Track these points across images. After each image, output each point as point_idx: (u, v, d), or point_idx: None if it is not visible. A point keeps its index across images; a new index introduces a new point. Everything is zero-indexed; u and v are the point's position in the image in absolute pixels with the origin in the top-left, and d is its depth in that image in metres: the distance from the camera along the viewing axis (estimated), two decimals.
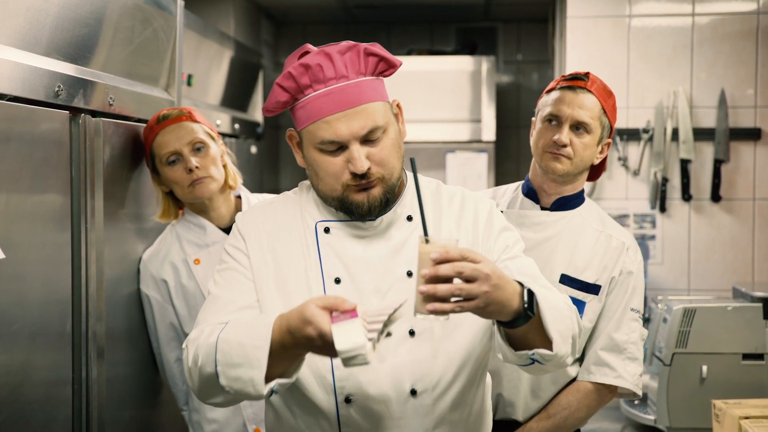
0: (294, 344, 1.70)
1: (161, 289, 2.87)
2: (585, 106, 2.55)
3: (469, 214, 2.02)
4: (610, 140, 2.64)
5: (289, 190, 2.11)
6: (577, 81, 2.59)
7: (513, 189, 2.73)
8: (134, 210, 2.86)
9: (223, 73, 4.76)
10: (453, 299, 1.66)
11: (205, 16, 5.07)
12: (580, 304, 2.53)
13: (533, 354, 1.77)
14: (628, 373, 2.54)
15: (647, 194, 4.60)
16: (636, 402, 3.61)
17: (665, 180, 4.54)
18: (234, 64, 4.89)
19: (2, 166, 2.06)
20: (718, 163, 4.52)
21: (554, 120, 2.57)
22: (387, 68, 1.94)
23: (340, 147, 1.88)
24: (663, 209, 4.57)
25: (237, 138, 4.86)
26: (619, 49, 4.60)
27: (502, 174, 6.06)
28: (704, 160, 4.57)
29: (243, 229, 2.01)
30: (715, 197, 4.53)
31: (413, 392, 1.91)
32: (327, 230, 1.97)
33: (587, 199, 2.67)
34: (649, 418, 3.42)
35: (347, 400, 1.89)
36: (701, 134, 4.54)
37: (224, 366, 1.75)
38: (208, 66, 4.50)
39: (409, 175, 1.99)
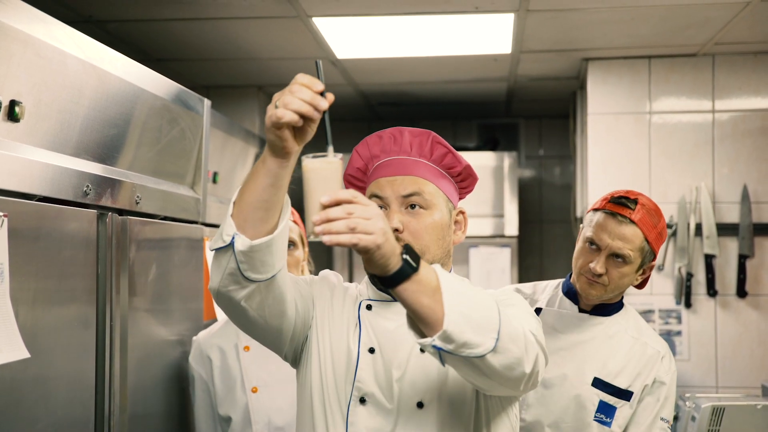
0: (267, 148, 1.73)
1: (206, 366, 2.92)
2: (626, 237, 2.48)
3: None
4: (653, 263, 2.58)
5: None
6: (623, 208, 2.51)
7: (554, 286, 2.72)
8: (159, 308, 2.87)
9: (248, 169, 4.81)
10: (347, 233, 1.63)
11: (231, 114, 5.16)
12: (611, 409, 2.50)
13: (433, 341, 1.67)
14: None
15: (672, 290, 4.57)
16: None
17: (690, 275, 4.52)
18: None
19: (30, 266, 2.09)
20: (742, 259, 4.49)
21: (594, 245, 2.52)
22: (454, 164, 2.10)
23: (384, 207, 2.01)
24: (688, 305, 4.53)
25: None
26: (640, 144, 4.63)
27: (525, 269, 6.06)
28: (729, 255, 4.54)
29: (322, 274, 2.18)
30: (741, 293, 4.49)
31: None
32: (369, 307, 2.08)
33: (626, 305, 2.66)
34: None
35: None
36: (725, 229, 4.53)
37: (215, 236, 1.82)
38: (234, 163, 4.56)
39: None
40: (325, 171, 1.67)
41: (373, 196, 2.03)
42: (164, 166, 2.95)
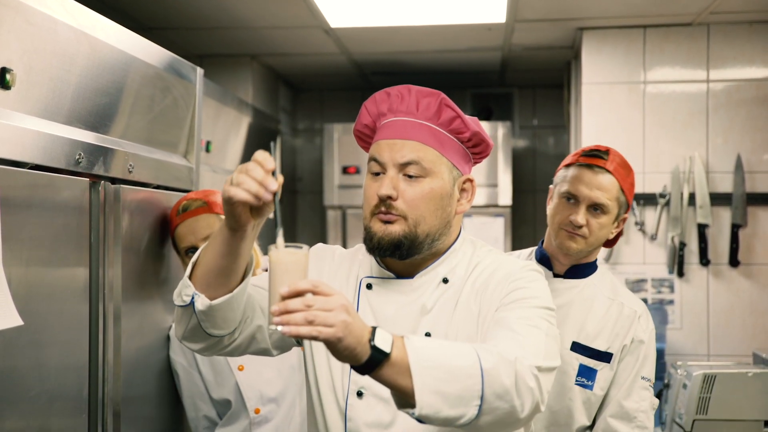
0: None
1: (187, 355, 2.89)
2: (603, 186, 2.53)
3: (485, 278, 1.99)
4: (626, 215, 2.63)
5: None
6: (597, 159, 2.57)
7: (526, 254, 2.73)
8: (153, 276, 2.87)
9: (241, 138, 4.81)
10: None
11: (224, 84, 5.15)
12: (591, 372, 2.52)
13: (413, 413, 1.64)
14: None
15: (665, 259, 4.58)
16: None
17: (683, 245, 4.53)
18: (252, 129, 4.94)
19: (23, 233, 2.09)
20: (735, 228, 4.51)
21: (572, 198, 2.57)
22: (462, 129, 1.98)
23: (382, 172, 1.96)
24: (681, 274, 4.55)
25: None
26: (634, 114, 4.63)
27: (518, 238, 6.07)
28: (722, 224, 4.56)
29: (314, 254, 2.11)
30: (734, 262, 4.51)
31: None
32: (369, 286, 2.02)
33: (600, 267, 2.67)
34: None
35: None
36: (718, 199, 4.54)
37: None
38: (227, 132, 4.55)
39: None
40: (289, 263, 1.65)
41: (372, 159, 1.98)
42: (157, 135, 2.94)
